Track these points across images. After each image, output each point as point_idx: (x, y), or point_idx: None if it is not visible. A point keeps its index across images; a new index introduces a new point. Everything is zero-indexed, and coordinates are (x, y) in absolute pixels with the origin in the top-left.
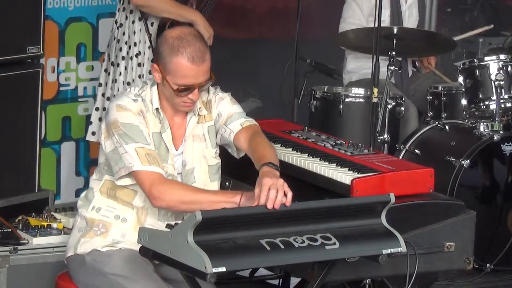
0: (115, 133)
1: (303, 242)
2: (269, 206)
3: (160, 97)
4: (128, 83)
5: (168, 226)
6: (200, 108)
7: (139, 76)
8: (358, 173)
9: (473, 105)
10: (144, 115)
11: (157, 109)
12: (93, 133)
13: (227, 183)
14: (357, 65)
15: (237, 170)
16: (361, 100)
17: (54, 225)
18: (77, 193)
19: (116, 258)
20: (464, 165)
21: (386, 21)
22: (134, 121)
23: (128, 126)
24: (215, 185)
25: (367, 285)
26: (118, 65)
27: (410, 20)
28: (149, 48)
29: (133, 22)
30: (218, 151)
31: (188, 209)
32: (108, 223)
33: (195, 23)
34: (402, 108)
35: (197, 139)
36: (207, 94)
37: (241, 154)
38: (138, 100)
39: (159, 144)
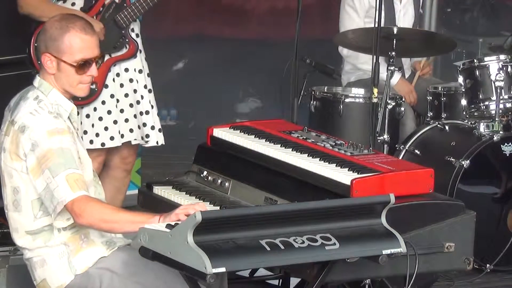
0: (45, 167)
1: (303, 242)
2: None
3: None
4: None
5: (168, 226)
6: None
7: None
8: (358, 174)
9: (473, 106)
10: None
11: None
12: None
13: (227, 183)
14: (355, 66)
15: (237, 170)
16: (360, 100)
17: None
18: None
19: (123, 255)
20: (464, 165)
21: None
22: (67, 144)
23: (60, 152)
24: None
25: (367, 285)
26: None
27: (406, 19)
28: None
29: None
30: None
31: (108, 228)
32: (86, 230)
33: None
34: (402, 109)
35: None
36: None
37: None
38: (58, 117)
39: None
